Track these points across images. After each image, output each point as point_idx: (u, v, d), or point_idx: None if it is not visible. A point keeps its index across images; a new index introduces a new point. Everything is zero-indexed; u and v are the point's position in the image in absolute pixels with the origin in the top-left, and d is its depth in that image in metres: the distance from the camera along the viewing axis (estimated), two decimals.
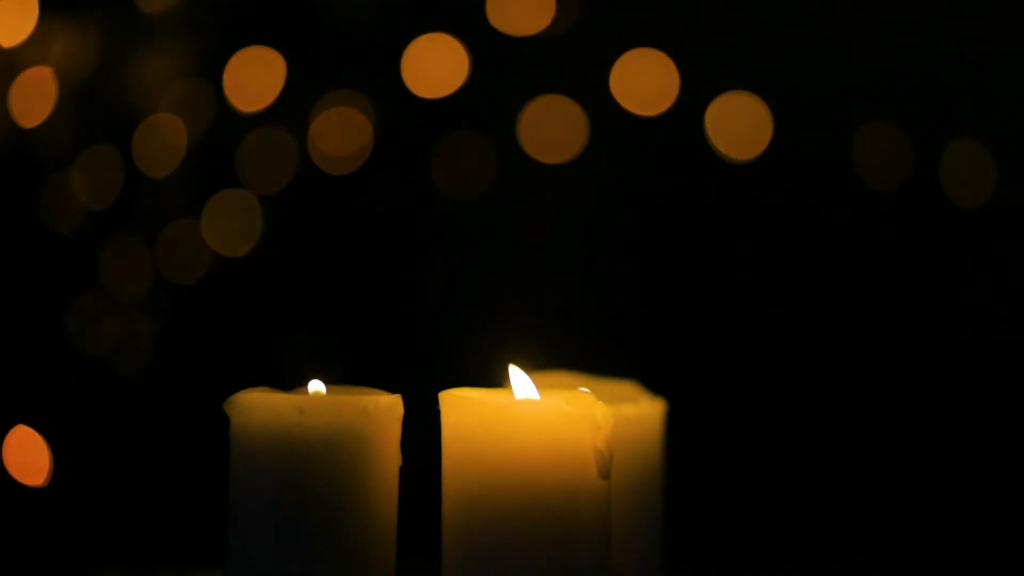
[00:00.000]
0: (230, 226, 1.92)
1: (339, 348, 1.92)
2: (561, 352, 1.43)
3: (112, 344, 1.90)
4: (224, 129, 1.91)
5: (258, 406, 1.09)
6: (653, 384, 1.31)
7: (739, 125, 1.88)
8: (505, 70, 1.92)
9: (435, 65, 1.91)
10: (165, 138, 1.91)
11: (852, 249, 1.91)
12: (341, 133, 1.92)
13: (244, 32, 1.93)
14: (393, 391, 1.13)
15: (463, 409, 1.07)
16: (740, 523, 1.90)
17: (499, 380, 1.21)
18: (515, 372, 1.11)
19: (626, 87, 1.90)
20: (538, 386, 1.10)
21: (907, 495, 1.89)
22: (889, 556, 1.87)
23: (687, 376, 1.89)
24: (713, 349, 1.92)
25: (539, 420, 1.05)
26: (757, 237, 1.92)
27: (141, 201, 1.90)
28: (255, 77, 1.92)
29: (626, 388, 1.29)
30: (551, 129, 1.91)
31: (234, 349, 1.92)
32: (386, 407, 1.11)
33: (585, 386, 1.14)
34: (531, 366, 1.18)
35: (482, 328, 1.89)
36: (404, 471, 1.12)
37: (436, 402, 1.09)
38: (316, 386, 1.14)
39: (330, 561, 1.08)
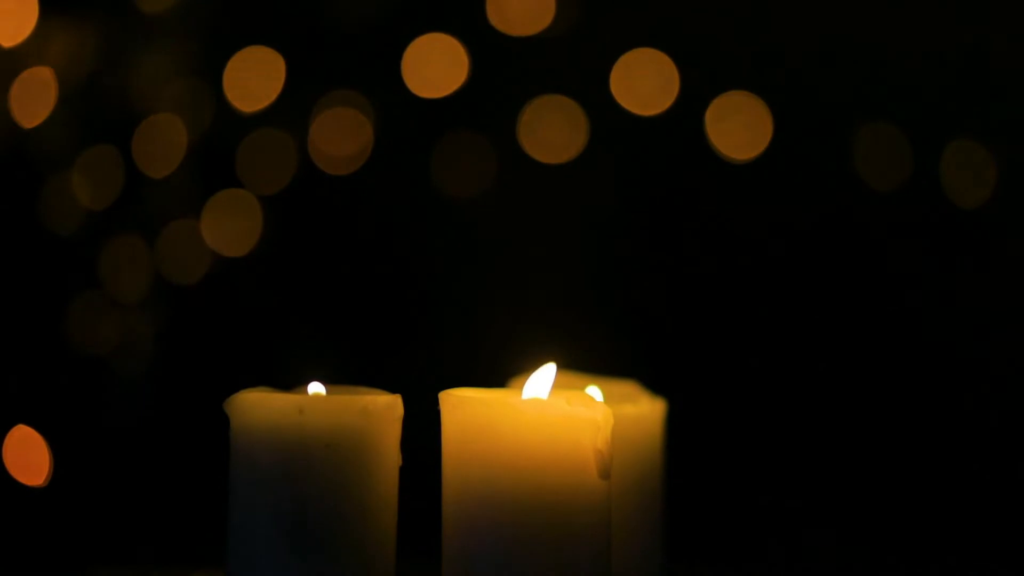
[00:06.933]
0: (230, 226, 1.92)
1: (339, 348, 1.92)
2: (561, 352, 1.42)
3: (112, 344, 1.89)
4: (224, 129, 1.91)
5: (258, 406, 1.09)
6: (653, 384, 1.31)
7: (739, 125, 1.88)
8: (505, 70, 1.92)
9: (435, 65, 1.91)
10: (165, 138, 1.91)
11: (852, 249, 1.91)
12: (341, 133, 1.92)
13: (244, 32, 1.93)
14: (393, 391, 1.13)
15: (463, 409, 1.07)
16: (740, 523, 1.90)
17: (501, 379, 1.21)
18: (549, 371, 1.10)
19: (626, 87, 1.90)
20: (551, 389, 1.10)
21: (907, 495, 1.89)
22: (889, 556, 1.87)
23: (687, 376, 1.89)
24: (713, 349, 1.92)
25: (539, 420, 1.05)
26: (757, 237, 1.92)
27: (141, 201, 1.90)
28: (255, 77, 1.92)
29: (626, 388, 1.29)
30: (551, 129, 1.91)
31: (234, 349, 1.92)
32: (386, 407, 1.11)
33: (585, 386, 1.14)
34: (534, 366, 1.17)
35: (482, 328, 1.89)
36: (404, 471, 1.12)
37: (436, 402, 1.09)
38: (316, 388, 1.14)
39: (330, 561, 1.08)
